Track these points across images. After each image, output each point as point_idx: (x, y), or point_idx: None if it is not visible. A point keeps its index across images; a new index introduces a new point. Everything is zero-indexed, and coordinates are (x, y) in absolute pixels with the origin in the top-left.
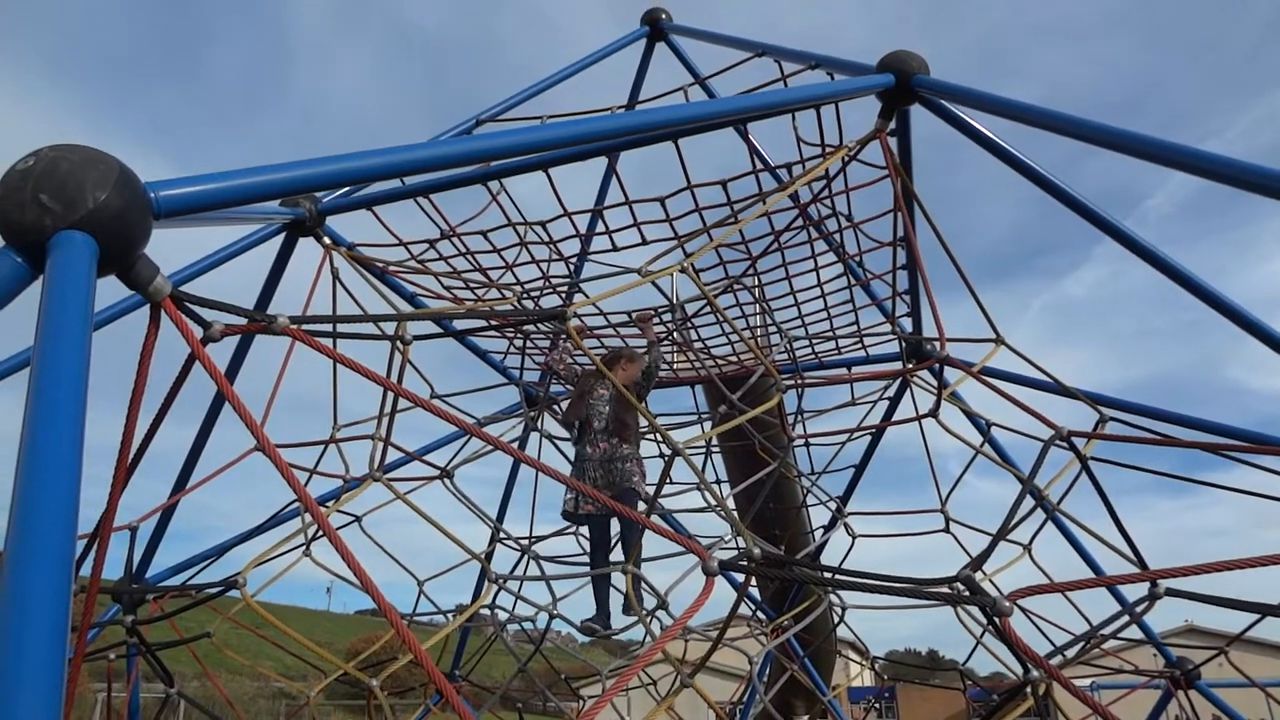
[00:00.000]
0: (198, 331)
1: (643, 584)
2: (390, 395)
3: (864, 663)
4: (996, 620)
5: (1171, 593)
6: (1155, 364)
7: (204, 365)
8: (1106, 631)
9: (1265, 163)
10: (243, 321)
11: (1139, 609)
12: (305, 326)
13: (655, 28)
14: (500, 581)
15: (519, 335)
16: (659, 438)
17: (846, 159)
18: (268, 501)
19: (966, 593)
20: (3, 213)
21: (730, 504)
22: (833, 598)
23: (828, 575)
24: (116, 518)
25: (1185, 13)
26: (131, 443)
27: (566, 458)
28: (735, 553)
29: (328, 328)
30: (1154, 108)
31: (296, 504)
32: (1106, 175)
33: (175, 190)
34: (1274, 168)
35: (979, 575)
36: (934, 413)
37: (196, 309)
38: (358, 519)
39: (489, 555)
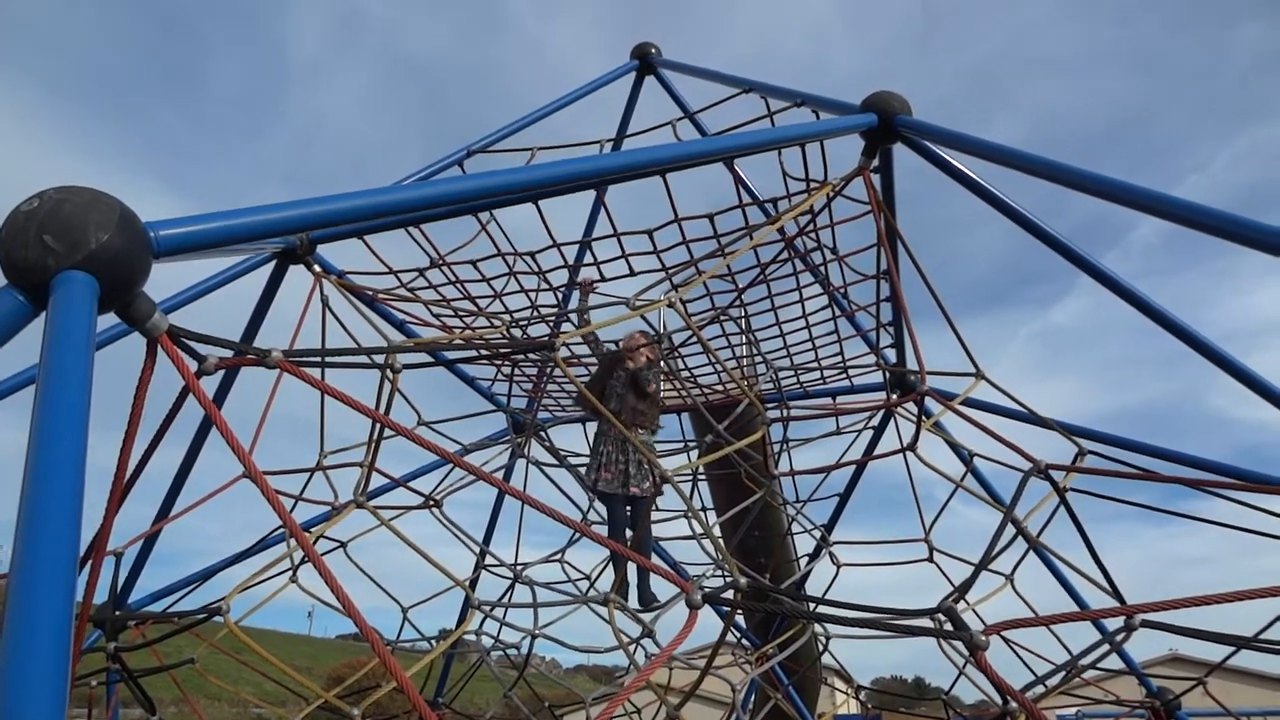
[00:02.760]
0: (192, 364)
1: (627, 612)
2: (378, 423)
3: (849, 691)
4: (973, 653)
5: (1148, 624)
6: (1140, 393)
7: (198, 399)
8: (1085, 662)
9: (1250, 195)
10: (239, 356)
11: (1117, 639)
12: (296, 359)
13: (644, 62)
14: (486, 610)
15: (507, 363)
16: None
17: (831, 195)
18: (250, 525)
19: (948, 624)
20: (7, 253)
21: (716, 531)
22: (817, 627)
23: (811, 607)
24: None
25: (1172, 48)
26: (125, 473)
27: (555, 484)
28: (722, 581)
29: (319, 358)
30: (1140, 139)
31: (282, 529)
32: (1093, 204)
33: (174, 230)
34: (1235, 214)
35: (961, 606)
36: (912, 446)
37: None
38: (342, 544)
39: (474, 581)
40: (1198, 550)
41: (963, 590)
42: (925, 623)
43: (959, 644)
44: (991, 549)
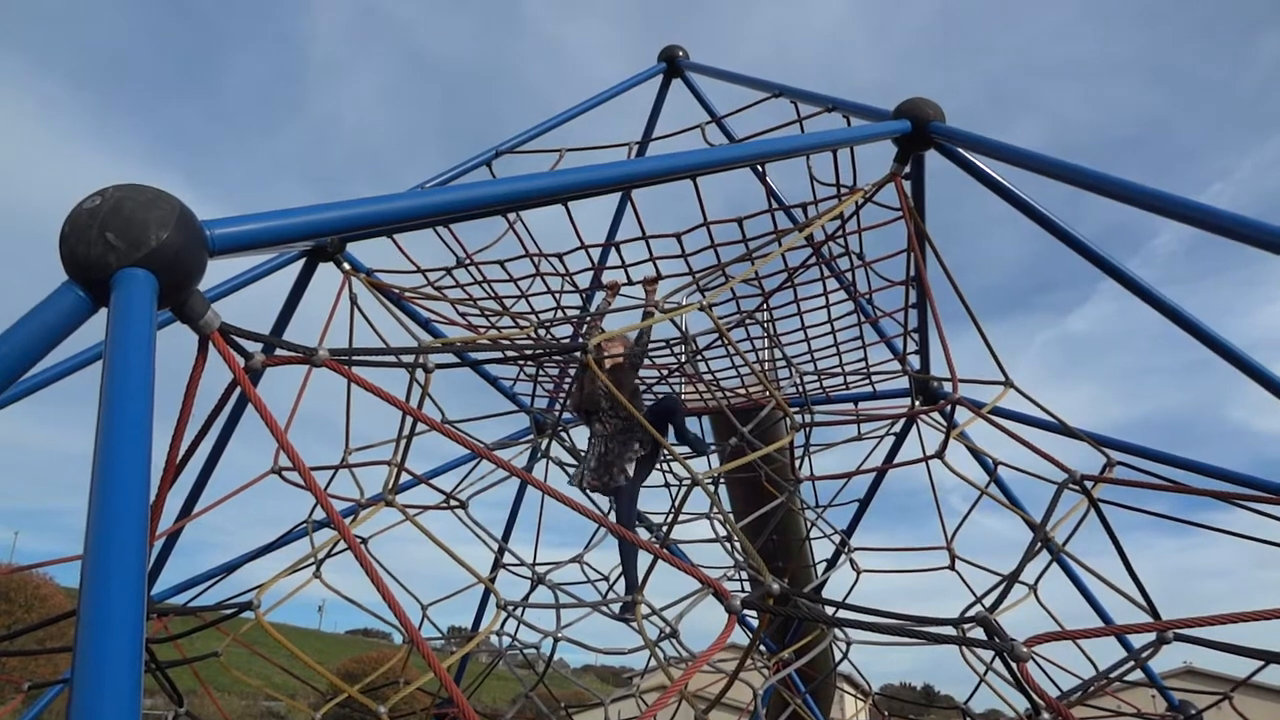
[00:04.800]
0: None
1: (652, 610)
2: (407, 420)
3: (861, 698)
4: (1014, 665)
5: (1180, 638)
6: (1157, 403)
7: (249, 396)
8: (1112, 675)
9: (1273, 203)
10: (287, 354)
11: (1144, 654)
12: (339, 358)
13: (672, 64)
14: (511, 609)
15: (530, 363)
16: (671, 467)
17: (861, 202)
18: (261, 519)
19: (983, 634)
20: (69, 249)
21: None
22: (837, 632)
23: (845, 614)
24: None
25: (1192, 56)
26: (174, 466)
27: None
28: (742, 583)
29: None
30: (1161, 146)
31: (305, 524)
32: (1113, 211)
33: (230, 229)
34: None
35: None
36: (940, 454)
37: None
38: (364, 541)
39: (492, 581)
40: (1213, 562)
41: (997, 603)
42: (952, 631)
43: (982, 652)
44: (1024, 564)
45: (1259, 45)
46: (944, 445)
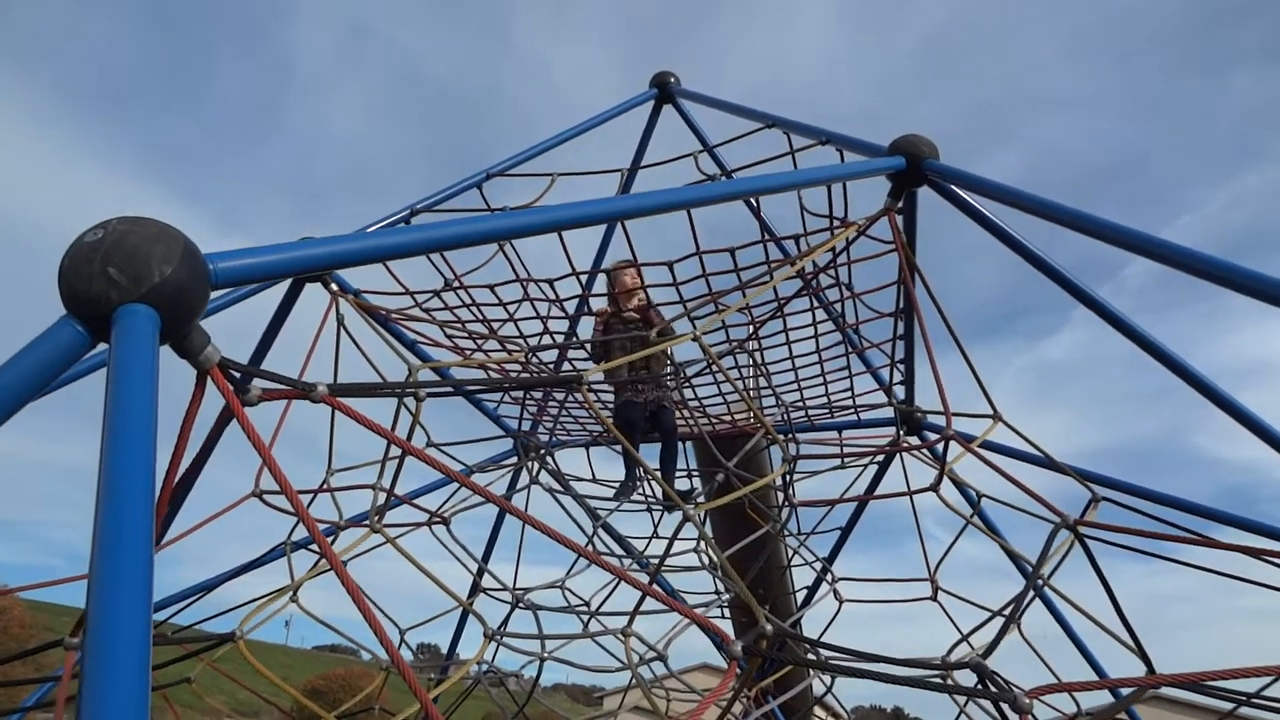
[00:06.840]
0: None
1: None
2: (393, 446)
3: None
4: (1014, 717)
5: (1168, 684)
6: (1128, 429)
7: (246, 432)
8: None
9: (1240, 238)
10: (283, 388)
11: (1131, 699)
12: (337, 394)
13: (664, 91)
14: (497, 637)
15: (518, 387)
16: (654, 491)
17: (854, 237)
18: (237, 533)
19: (975, 678)
20: (69, 284)
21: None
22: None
23: (838, 659)
24: None
25: (1167, 95)
26: (167, 501)
27: (564, 509)
28: (723, 609)
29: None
30: (1135, 179)
31: (283, 545)
32: (1085, 243)
33: (233, 262)
34: (1229, 260)
35: (968, 653)
36: (935, 487)
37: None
38: (344, 563)
39: (472, 603)
40: (1181, 588)
41: (991, 648)
42: (934, 676)
43: (963, 686)
44: (1018, 609)
45: (1230, 83)
46: (939, 479)
